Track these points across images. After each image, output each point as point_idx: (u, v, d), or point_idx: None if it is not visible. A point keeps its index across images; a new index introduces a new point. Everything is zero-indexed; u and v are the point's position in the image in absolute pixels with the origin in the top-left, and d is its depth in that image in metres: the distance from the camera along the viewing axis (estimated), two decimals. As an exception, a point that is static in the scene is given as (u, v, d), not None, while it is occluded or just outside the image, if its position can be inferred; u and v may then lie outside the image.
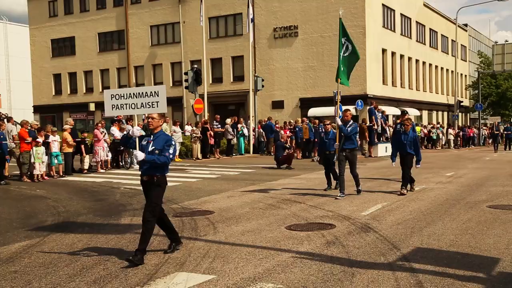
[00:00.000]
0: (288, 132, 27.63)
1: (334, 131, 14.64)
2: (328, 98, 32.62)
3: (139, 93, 8.35)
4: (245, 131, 29.41)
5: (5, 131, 19.20)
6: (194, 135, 25.89)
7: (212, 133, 26.21)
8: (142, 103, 8.28)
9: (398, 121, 14.60)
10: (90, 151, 21.58)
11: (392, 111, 38.66)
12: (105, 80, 48.00)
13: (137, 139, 7.84)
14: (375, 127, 27.21)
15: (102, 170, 21.13)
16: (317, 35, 37.37)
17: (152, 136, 7.76)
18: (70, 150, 20.35)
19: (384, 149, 27.50)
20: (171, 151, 7.56)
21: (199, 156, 25.75)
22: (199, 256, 7.68)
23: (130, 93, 8.47)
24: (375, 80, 39.17)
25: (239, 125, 28.44)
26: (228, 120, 28.06)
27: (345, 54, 15.10)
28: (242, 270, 7.02)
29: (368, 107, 29.54)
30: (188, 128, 27.51)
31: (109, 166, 21.85)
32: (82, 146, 20.92)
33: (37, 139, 18.61)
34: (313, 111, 35.48)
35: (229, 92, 41.06)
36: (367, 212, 11.08)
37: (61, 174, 19.73)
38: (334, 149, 13.96)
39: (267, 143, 29.14)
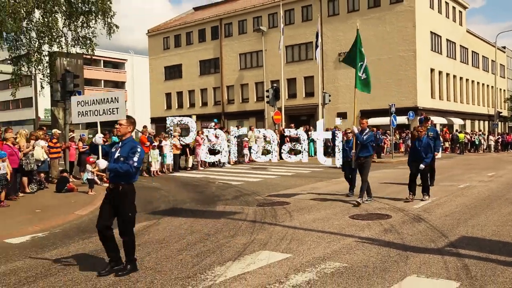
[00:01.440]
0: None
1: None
2: (383, 110, 31.82)
3: (101, 99, 6.89)
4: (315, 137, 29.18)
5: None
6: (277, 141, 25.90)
7: (288, 139, 26.13)
8: (103, 109, 6.83)
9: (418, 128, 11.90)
10: (192, 153, 22.08)
11: (439, 121, 37.73)
12: (203, 97, 49.16)
13: (100, 147, 6.46)
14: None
15: (201, 168, 21.59)
16: (374, 58, 36.57)
17: (120, 143, 6.35)
18: (178, 152, 20.91)
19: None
20: (135, 158, 6.03)
21: (278, 157, 25.64)
22: (278, 238, 7.65)
23: (93, 100, 6.98)
24: (424, 94, 37.85)
25: (309, 132, 28.25)
26: (301, 129, 27.98)
27: (362, 63, 12.54)
28: (314, 251, 6.96)
29: (418, 117, 28.57)
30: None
31: (207, 165, 22.24)
32: (187, 149, 21.46)
33: (153, 143, 19.23)
34: (371, 121, 34.75)
35: (301, 106, 40.99)
36: (418, 206, 10.68)
37: (171, 170, 20.29)
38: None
39: (333, 148, 28.69)
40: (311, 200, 11.91)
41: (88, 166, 14.86)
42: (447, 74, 43.01)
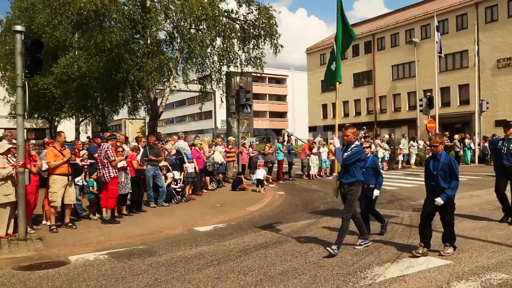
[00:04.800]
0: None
1: (374, 157, 8.96)
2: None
3: None
4: (472, 145, 26.73)
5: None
6: (428, 148, 24.32)
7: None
8: None
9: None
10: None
11: None
12: (357, 107, 48.30)
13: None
14: None
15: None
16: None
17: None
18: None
19: None
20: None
21: (431, 164, 24.02)
22: (436, 244, 7.09)
23: None
24: None
25: (466, 140, 25.90)
26: (456, 136, 25.84)
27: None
28: (476, 259, 6.29)
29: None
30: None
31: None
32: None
33: (313, 150, 19.43)
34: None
35: (455, 114, 37.75)
36: None
37: (328, 175, 20.22)
38: (374, 182, 8.21)
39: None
40: (469, 208, 10.80)
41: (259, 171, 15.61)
42: None
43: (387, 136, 24.77)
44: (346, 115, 49.28)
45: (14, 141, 8.99)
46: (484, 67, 35.49)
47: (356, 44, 47.94)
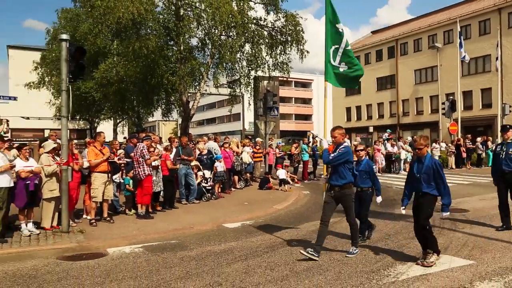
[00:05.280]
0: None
1: (370, 160, 8.25)
2: None
3: None
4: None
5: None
6: (450, 150, 23.74)
7: (464, 149, 23.69)
8: None
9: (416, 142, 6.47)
10: (371, 159, 21.45)
11: None
12: (380, 110, 47.57)
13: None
14: None
15: (379, 174, 20.73)
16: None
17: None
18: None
19: None
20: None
21: (453, 166, 23.41)
22: (459, 244, 6.92)
23: None
24: None
25: (488, 143, 25.12)
26: (479, 139, 25.05)
27: (337, 46, 8.08)
28: (500, 260, 6.08)
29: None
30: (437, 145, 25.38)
31: (381, 171, 21.32)
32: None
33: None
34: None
35: (478, 117, 36.69)
36: None
37: (352, 175, 19.97)
38: (370, 185, 7.53)
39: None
40: (491, 209, 10.45)
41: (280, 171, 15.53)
42: None
43: (409, 138, 24.30)
44: (370, 117, 48.65)
45: (58, 140, 9.23)
46: (507, 71, 34.44)
47: (379, 49, 47.35)
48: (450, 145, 24.37)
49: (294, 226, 9.00)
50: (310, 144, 20.49)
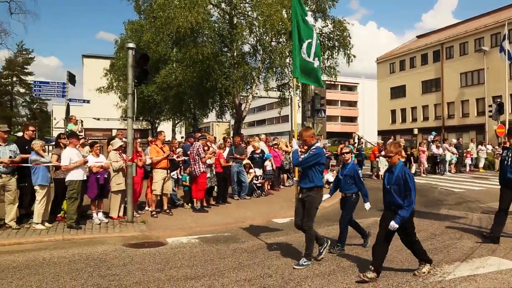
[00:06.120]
0: None
1: (356, 164, 6.91)
2: None
3: None
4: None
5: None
6: (497, 152, 22.34)
7: None
8: None
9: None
10: (416, 161, 20.62)
11: None
12: (425, 113, 45.67)
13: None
14: None
15: (423, 175, 19.95)
16: None
17: None
18: (403, 159, 19.77)
19: None
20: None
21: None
22: (508, 247, 6.51)
23: None
24: None
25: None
26: (526, 141, 23.50)
27: (310, 40, 7.21)
28: (552, 264, 5.62)
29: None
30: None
31: (425, 172, 20.44)
32: (411, 157, 20.12)
33: (382, 152, 18.65)
34: None
35: (526, 119, 34.42)
36: None
37: (396, 175, 19.32)
38: (354, 191, 6.57)
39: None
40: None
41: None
42: None
43: (455, 140, 23.18)
44: (414, 120, 46.91)
45: (124, 139, 9.59)
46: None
47: (425, 53, 45.59)
48: (497, 147, 23.00)
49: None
50: (356, 145, 20.03)
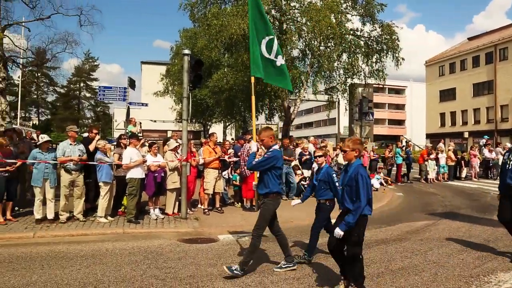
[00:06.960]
0: None
1: (331, 168, 5.88)
2: None
3: None
4: None
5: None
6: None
7: None
8: None
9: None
10: (467, 165, 19.57)
11: None
12: (476, 116, 43.14)
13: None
14: None
15: (475, 179, 18.89)
16: None
17: None
18: (453, 163, 18.83)
19: None
20: None
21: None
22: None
23: None
24: None
25: None
26: None
27: (272, 37, 6.55)
28: None
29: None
30: None
31: (476, 176, 19.33)
32: (462, 161, 19.12)
33: (431, 156, 17.90)
34: None
35: None
36: None
37: (446, 179, 18.44)
38: (329, 197, 5.71)
39: None
40: None
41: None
42: None
43: (508, 144, 21.70)
44: (465, 123, 44.49)
45: (179, 140, 9.83)
46: None
47: (476, 55, 43.18)
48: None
49: (388, 226, 8.53)
50: (404, 148, 19.32)
